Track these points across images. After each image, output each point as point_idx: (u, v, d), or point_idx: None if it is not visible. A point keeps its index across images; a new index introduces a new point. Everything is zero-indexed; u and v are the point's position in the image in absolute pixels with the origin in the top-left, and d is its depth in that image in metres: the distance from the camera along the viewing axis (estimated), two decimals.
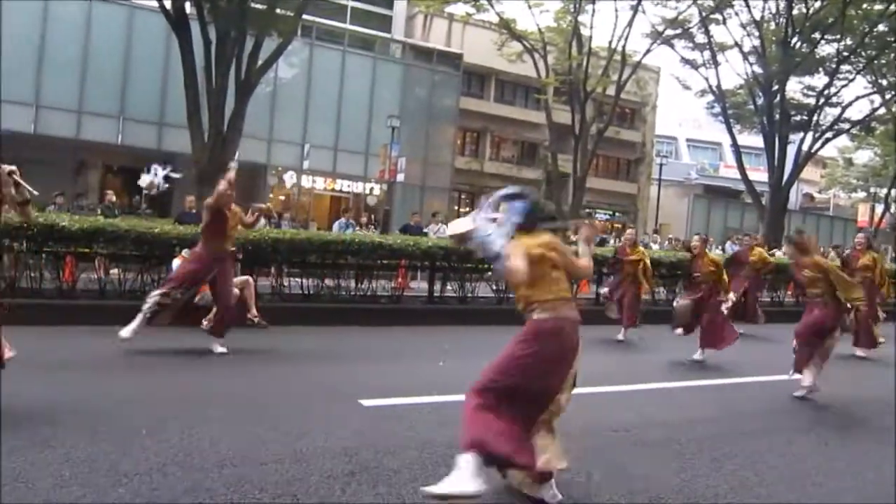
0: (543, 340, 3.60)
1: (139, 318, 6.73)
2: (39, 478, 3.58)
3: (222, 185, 6.98)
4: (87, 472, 3.69)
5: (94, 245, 8.76)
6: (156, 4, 16.79)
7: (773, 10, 26.71)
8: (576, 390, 3.79)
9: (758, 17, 26.47)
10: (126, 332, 6.66)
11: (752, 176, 29.10)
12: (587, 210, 34.68)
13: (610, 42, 26.83)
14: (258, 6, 16.56)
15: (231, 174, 7.14)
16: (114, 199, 14.90)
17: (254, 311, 8.62)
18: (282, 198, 27.77)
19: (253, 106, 18.05)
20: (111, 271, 9.17)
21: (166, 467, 3.84)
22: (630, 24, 26.12)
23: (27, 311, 7.99)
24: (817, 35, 25.91)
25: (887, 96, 28.29)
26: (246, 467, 3.91)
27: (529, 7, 26.97)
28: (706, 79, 28.46)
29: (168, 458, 3.98)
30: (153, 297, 6.81)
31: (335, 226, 17.12)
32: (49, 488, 3.47)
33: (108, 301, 8.71)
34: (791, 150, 27.88)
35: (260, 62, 17.04)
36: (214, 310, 7.20)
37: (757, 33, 26.56)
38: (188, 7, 16.42)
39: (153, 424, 4.55)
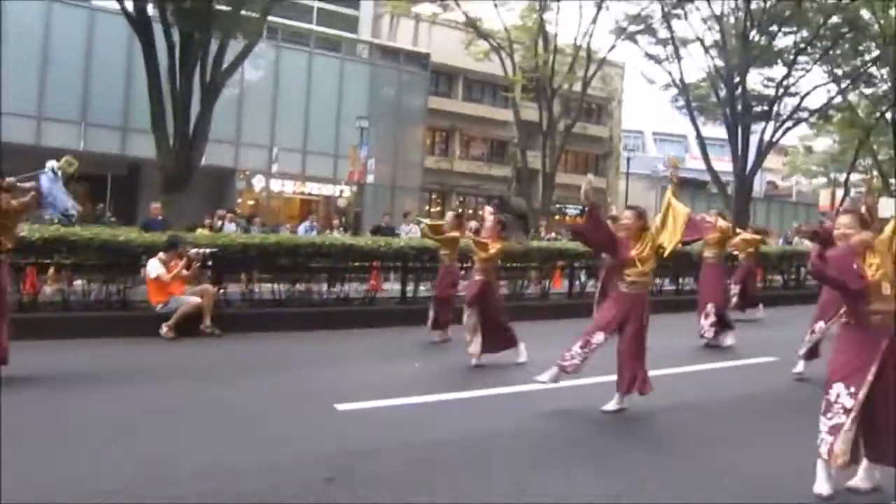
0: None
1: None
2: None
3: None
4: (50, 494, 3.56)
5: (57, 255, 8.53)
6: (117, 6, 16.43)
7: (733, 5, 27.18)
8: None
9: (718, 12, 26.94)
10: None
11: (718, 166, 29.46)
12: (557, 206, 34.86)
13: (575, 39, 27.15)
14: (223, 8, 16.28)
15: None
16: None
17: (207, 321, 8.44)
18: (251, 202, 27.45)
19: (219, 109, 17.76)
20: (74, 282, 8.95)
21: (139, 483, 3.74)
22: (594, 20, 26.58)
23: None
24: (775, 28, 26.64)
25: (843, 85, 29.04)
26: (222, 479, 3.83)
27: (495, 6, 27.05)
28: (670, 73, 28.79)
29: (140, 473, 3.87)
30: None
31: (300, 228, 17.15)
32: None
33: (72, 313, 8.51)
34: (753, 140, 28.37)
35: (225, 65, 16.77)
36: None
37: (717, 27, 27.00)
38: (150, 9, 16.07)
39: (122, 439, 4.45)
